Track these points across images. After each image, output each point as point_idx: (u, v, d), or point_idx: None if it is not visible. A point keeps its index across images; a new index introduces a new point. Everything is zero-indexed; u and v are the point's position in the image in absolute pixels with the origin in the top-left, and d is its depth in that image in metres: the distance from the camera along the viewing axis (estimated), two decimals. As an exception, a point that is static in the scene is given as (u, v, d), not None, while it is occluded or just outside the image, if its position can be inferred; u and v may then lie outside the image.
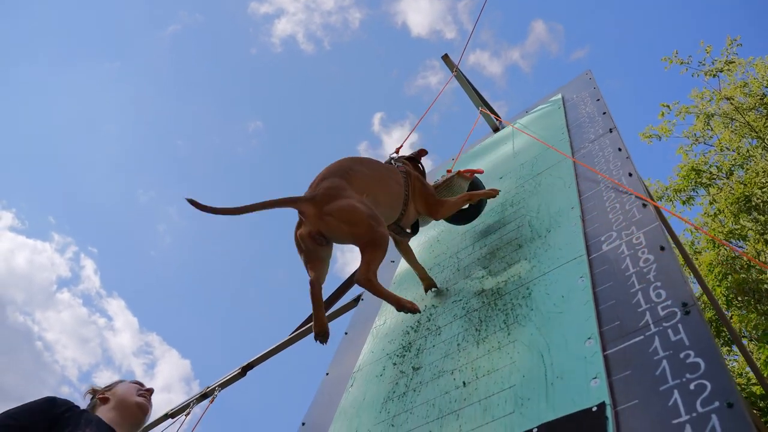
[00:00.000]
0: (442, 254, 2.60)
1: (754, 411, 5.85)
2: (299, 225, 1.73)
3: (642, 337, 1.31)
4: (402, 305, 1.70)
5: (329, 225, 1.65)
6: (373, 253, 1.64)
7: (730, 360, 7.37)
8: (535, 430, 1.28)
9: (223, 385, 3.49)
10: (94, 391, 1.74)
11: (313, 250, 1.72)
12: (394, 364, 2.01)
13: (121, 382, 1.77)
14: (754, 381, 6.34)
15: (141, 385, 1.77)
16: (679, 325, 1.26)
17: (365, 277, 1.62)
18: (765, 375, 5.81)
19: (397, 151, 2.44)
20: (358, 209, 1.67)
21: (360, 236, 1.65)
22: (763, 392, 5.87)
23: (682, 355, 1.19)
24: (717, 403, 1.04)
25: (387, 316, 2.41)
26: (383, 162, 2.15)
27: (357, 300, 3.12)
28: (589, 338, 1.40)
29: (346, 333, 2.65)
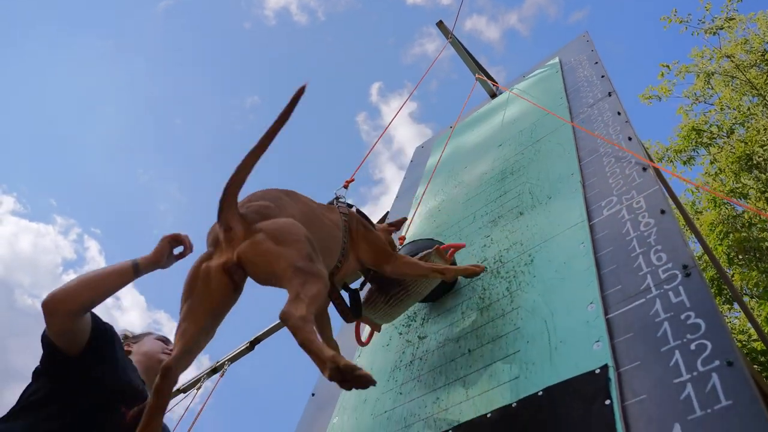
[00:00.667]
0: (444, 224, 2.61)
1: (755, 366, 5.94)
2: (208, 256, 1.18)
3: (643, 300, 1.33)
4: (339, 372, 0.93)
5: (259, 249, 1.12)
6: (312, 286, 1.07)
7: (731, 318, 7.46)
8: (540, 393, 1.31)
9: (233, 359, 3.55)
10: (125, 338, 1.64)
11: (211, 296, 1.14)
12: (400, 333, 2.04)
13: (148, 334, 1.68)
14: (755, 337, 6.43)
15: (167, 343, 1.69)
16: (680, 288, 1.27)
17: (299, 314, 0.99)
18: (765, 331, 5.89)
19: (346, 185, 1.94)
20: (301, 229, 1.20)
21: (293, 264, 1.09)
22: (764, 348, 5.96)
23: (682, 317, 1.21)
24: (717, 362, 1.06)
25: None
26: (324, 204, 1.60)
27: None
28: (591, 303, 1.43)
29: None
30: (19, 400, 1.27)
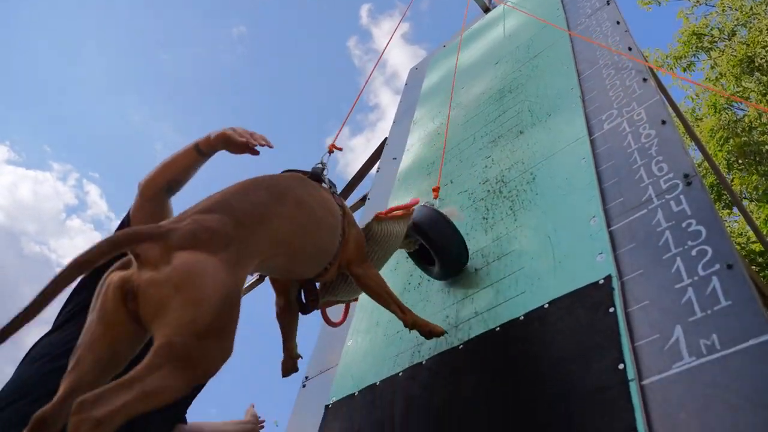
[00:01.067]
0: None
1: (753, 267, 6.09)
2: (122, 265, 0.90)
3: (645, 210, 1.35)
4: None
5: (152, 291, 0.83)
6: (163, 380, 0.76)
7: (730, 222, 7.55)
8: (546, 305, 1.36)
9: (245, 290, 3.64)
10: None
11: (106, 320, 0.86)
12: (407, 257, 2.09)
13: None
14: (753, 239, 6.54)
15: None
16: (681, 197, 1.29)
17: (94, 414, 0.69)
18: (764, 233, 5.99)
19: (331, 150, 1.62)
20: (219, 288, 0.87)
21: (172, 334, 0.80)
22: (762, 249, 6.08)
23: (684, 225, 1.24)
24: (717, 266, 1.10)
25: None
26: (319, 189, 1.35)
27: (364, 199, 3.18)
28: (594, 217, 1.45)
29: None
30: (58, 315, 1.30)
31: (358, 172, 3.89)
